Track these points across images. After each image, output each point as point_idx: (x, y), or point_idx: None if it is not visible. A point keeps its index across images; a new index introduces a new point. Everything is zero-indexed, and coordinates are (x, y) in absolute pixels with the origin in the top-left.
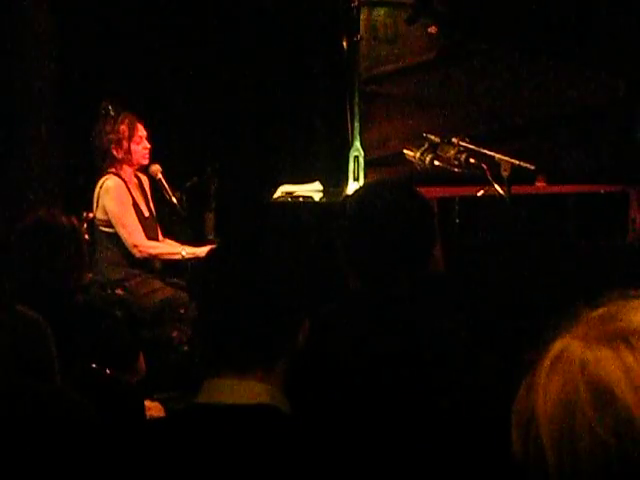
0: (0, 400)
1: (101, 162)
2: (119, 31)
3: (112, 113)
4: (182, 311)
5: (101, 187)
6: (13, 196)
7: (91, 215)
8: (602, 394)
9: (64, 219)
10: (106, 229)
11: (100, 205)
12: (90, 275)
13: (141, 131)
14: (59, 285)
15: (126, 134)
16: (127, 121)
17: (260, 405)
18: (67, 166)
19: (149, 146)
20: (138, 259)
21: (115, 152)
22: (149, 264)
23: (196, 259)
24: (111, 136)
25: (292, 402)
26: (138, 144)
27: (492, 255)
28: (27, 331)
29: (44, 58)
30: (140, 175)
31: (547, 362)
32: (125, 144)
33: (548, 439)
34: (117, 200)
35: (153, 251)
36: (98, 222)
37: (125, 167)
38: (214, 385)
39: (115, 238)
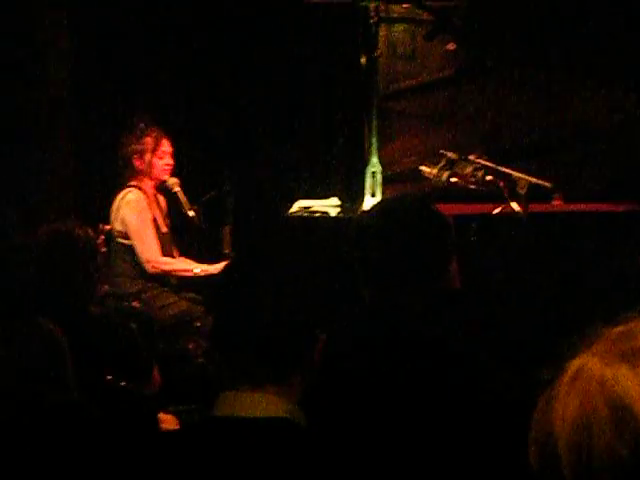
0: (15, 410)
1: (122, 172)
2: (137, 47)
3: (141, 126)
4: (198, 324)
5: (122, 199)
6: (30, 209)
7: (107, 227)
8: (620, 411)
9: (80, 231)
10: (123, 241)
11: (119, 217)
12: (106, 287)
13: (165, 146)
14: (75, 297)
15: (150, 146)
16: (154, 135)
17: (276, 418)
18: (82, 179)
19: (172, 162)
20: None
21: (136, 163)
22: (165, 277)
23: (209, 276)
24: (135, 147)
25: (308, 416)
26: (160, 158)
27: (509, 272)
28: (43, 342)
29: (62, 73)
30: (157, 194)
31: (566, 379)
32: (147, 156)
33: (566, 455)
34: (137, 214)
35: (166, 267)
36: (116, 234)
37: (145, 180)
38: (230, 398)
39: (132, 250)
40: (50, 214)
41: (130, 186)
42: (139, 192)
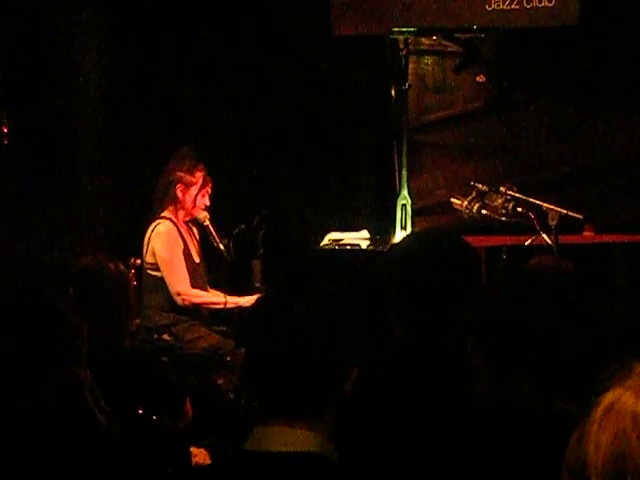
0: (45, 445)
1: (159, 198)
2: (165, 79)
3: (192, 159)
4: (228, 358)
5: (153, 230)
6: (63, 243)
7: (138, 261)
8: None
9: (111, 265)
10: (155, 273)
11: (150, 249)
12: (138, 321)
13: (209, 188)
14: (107, 331)
15: (200, 182)
16: (204, 173)
17: (307, 454)
18: (114, 213)
19: (209, 204)
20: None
21: (179, 192)
22: (196, 310)
23: (239, 309)
24: (183, 177)
25: (340, 451)
26: (203, 197)
27: (539, 304)
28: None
29: (91, 108)
30: (191, 225)
31: (599, 412)
32: (194, 191)
33: None
34: (167, 245)
35: (196, 300)
36: (147, 266)
37: (179, 212)
38: (262, 433)
39: (163, 282)
40: (83, 247)
41: (162, 217)
42: (170, 223)
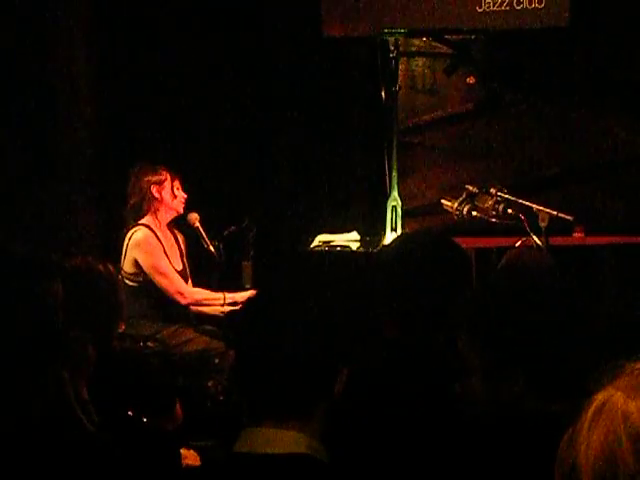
0: (32, 448)
1: (137, 206)
2: (158, 82)
3: (149, 165)
4: (217, 361)
5: (130, 239)
6: (53, 247)
7: None
8: None
9: (100, 266)
10: (132, 283)
11: (128, 258)
12: (123, 327)
13: (178, 181)
14: (96, 332)
15: (168, 178)
16: (167, 170)
17: (299, 454)
18: (102, 219)
19: (186, 195)
20: (171, 310)
21: (155, 192)
22: (181, 314)
23: (234, 304)
24: (151, 177)
25: (330, 451)
26: (178, 189)
27: (530, 305)
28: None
29: (79, 118)
30: (175, 231)
31: (590, 412)
32: (167, 185)
33: None
34: (148, 251)
35: (198, 296)
36: (125, 275)
37: (162, 211)
38: (252, 434)
39: (142, 291)
40: (72, 251)
41: (138, 224)
42: (146, 229)
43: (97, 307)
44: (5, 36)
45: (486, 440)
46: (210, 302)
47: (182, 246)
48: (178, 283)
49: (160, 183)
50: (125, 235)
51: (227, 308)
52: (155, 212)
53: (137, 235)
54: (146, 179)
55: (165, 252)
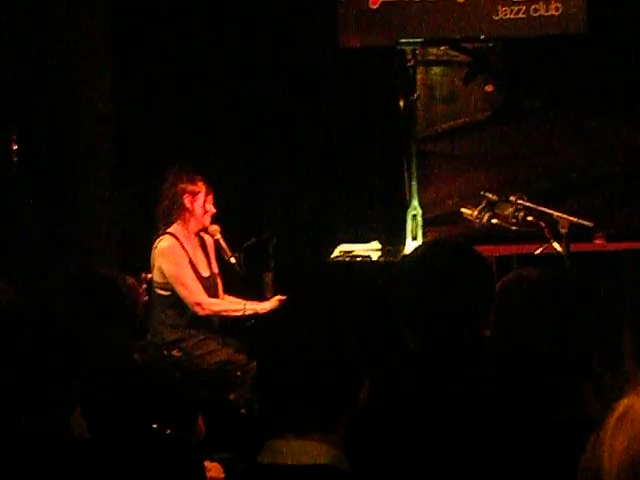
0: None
1: (168, 211)
2: (175, 93)
3: (189, 171)
4: (239, 373)
5: (156, 248)
6: (76, 259)
7: (149, 276)
8: None
9: (119, 278)
10: (162, 292)
11: (156, 267)
12: (147, 336)
13: (212, 196)
14: (117, 345)
15: (203, 190)
16: (205, 182)
17: (321, 466)
18: (125, 228)
19: (215, 211)
20: (197, 319)
21: (187, 202)
22: (206, 324)
23: (256, 316)
24: (186, 186)
25: (353, 463)
26: (210, 204)
27: (551, 312)
28: None
29: (101, 126)
30: (203, 234)
31: (613, 419)
32: (201, 197)
33: None
34: (172, 260)
35: (216, 308)
36: (155, 284)
37: (190, 222)
38: (276, 446)
39: (171, 300)
40: (95, 261)
41: (164, 233)
42: (171, 238)
43: (117, 319)
44: (22, 35)
45: (509, 451)
46: (229, 313)
47: (210, 251)
48: (197, 294)
49: (194, 194)
50: (153, 244)
51: (249, 311)
52: (184, 221)
53: (162, 244)
54: (181, 186)
55: (191, 261)
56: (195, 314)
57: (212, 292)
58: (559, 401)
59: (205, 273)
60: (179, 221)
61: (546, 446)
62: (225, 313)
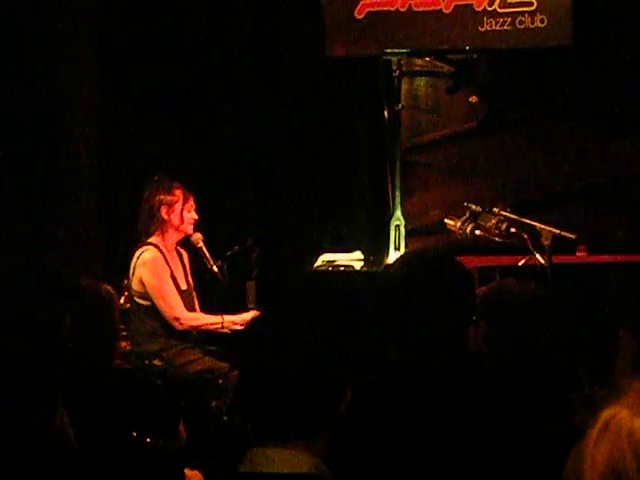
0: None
1: (146, 225)
2: (162, 99)
3: (167, 181)
4: (220, 381)
5: (138, 258)
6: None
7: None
8: None
9: (98, 286)
10: (141, 301)
11: (136, 276)
12: (127, 346)
13: (192, 201)
14: (96, 353)
15: (180, 199)
16: (182, 189)
17: (303, 474)
18: (108, 235)
19: (197, 217)
20: (177, 330)
21: (165, 214)
22: (187, 334)
23: (236, 327)
24: (163, 197)
25: (334, 472)
26: (189, 212)
27: (533, 324)
28: None
29: (87, 131)
30: (180, 249)
31: (596, 429)
32: (178, 207)
33: None
34: (155, 273)
35: (194, 322)
36: (134, 293)
37: (170, 232)
38: (257, 454)
39: (151, 311)
40: (77, 267)
41: (147, 244)
42: (155, 249)
43: (94, 327)
44: (7, 40)
45: (491, 462)
46: (207, 327)
47: (186, 263)
48: (176, 309)
49: (171, 205)
50: (134, 253)
51: (227, 324)
52: (163, 233)
53: (145, 255)
54: (158, 198)
55: (172, 274)
56: (173, 328)
57: (190, 305)
58: (545, 412)
59: (184, 286)
60: (158, 232)
61: (530, 458)
62: (204, 327)
